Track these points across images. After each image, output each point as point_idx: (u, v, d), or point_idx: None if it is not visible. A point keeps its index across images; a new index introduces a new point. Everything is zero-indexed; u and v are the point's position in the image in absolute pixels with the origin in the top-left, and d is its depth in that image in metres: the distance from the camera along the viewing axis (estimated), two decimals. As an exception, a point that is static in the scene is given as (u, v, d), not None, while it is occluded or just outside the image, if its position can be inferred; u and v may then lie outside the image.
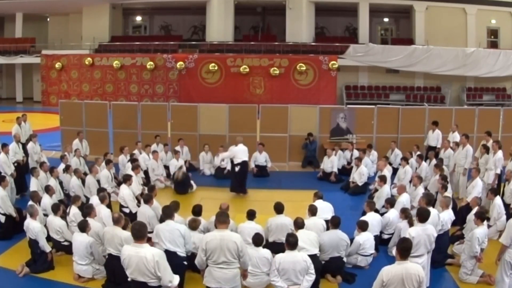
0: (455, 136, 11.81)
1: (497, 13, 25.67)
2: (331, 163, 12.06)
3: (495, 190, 8.62)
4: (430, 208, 6.76)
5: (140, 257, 4.91)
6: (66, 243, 7.25)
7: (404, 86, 25.11)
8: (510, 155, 10.37)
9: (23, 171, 10.59)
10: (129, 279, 5.10)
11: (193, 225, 6.89)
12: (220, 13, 25.71)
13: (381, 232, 7.87)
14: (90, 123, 13.57)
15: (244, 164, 10.68)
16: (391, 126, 13.42)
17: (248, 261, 5.82)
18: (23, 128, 12.23)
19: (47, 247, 6.91)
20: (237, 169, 10.64)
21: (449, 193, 8.63)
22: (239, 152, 10.64)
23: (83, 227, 6.69)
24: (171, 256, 5.75)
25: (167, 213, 6.43)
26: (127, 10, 28.82)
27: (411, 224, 7.30)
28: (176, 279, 5.15)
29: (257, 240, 6.37)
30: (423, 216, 6.04)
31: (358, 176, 10.95)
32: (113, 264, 6.13)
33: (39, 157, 11.25)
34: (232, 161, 12.46)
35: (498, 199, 8.26)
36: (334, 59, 23.65)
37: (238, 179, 10.72)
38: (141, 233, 5.00)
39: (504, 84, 24.84)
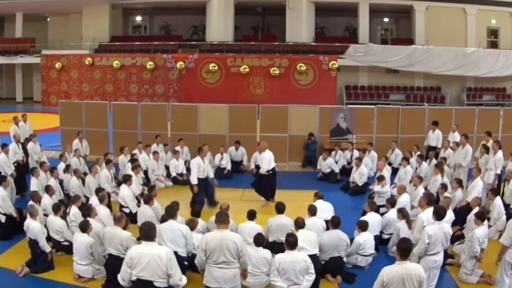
0: (455, 136, 11.80)
1: (497, 13, 25.65)
2: (327, 165, 12.07)
3: (496, 190, 8.63)
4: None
5: (153, 255, 5.01)
6: (66, 243, 7.26)
7: (404, 86, 25.09)
8: (510, 155, 10.38)
9: (23, 171, 10.60)
10: (132, 279, 5.10)
11: (191, 225, 6.84)
12: (220, 13, 25.70)
13: (381, 232, 7.88)
14: (90, 123, 13.57)
15: (274, 169, 10.23)
16: (391, 126, 13.41)
17: (248, 261, 5.83)
18: (22, 128, 12.23)
19: (47, 247, 6.91)
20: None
21: (449, 193, 8.62)
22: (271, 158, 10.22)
23: (84, 227, 6.69)
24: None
25: (170, 213, 6.45)
26: (127, 10, 28.79)
27: (408, 223, 7.33)
28: (184, 278, 5.26)
29: (259, 240, 6.37)
30: (439, 214, 6.05)
31: (358, 176, 10.95)
32: (113, 264, 6.13)
33: (39, 157, 11.25)
34: (234, 162, 12.55)
35: (498, 199, 8.26)
36: (334, 59, 23.64)
37: (270, 185, 10.21)
38: (150, 234, 5.15)
39: (504, 84, 24.82)
